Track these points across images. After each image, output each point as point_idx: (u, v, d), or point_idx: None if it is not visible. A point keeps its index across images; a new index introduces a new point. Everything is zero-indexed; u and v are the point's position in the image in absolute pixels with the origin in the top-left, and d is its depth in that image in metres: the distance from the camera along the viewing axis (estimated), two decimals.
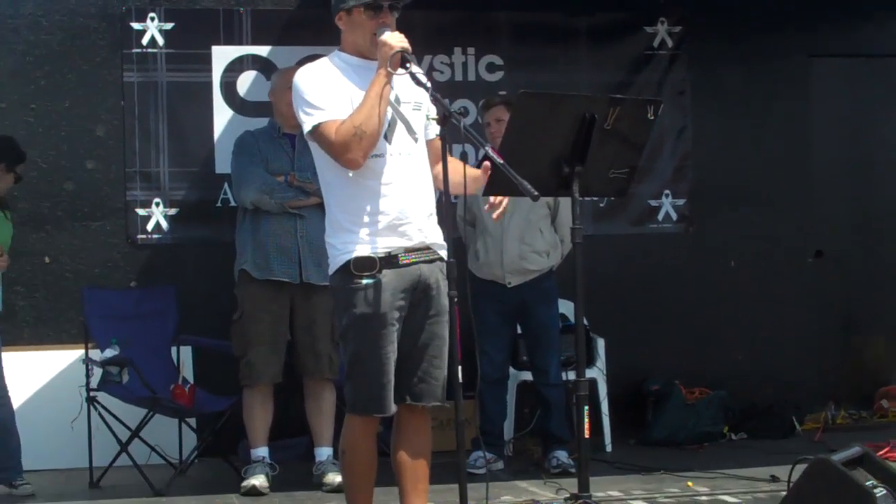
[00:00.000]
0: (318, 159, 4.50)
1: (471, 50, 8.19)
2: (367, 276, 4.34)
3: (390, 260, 4.36)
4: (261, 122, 7.02)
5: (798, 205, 8.60)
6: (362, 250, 4.36)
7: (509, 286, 6.81)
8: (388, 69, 4.28)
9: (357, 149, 4.24)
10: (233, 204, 7.28)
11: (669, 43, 8.48)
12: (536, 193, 3.98)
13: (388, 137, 4.39)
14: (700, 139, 8.49)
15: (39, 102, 7.71)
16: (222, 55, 7.89)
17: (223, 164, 7.52)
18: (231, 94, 7.88)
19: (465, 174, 4.33)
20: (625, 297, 8.20)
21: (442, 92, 4.59)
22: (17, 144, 6.81)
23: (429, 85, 4.28)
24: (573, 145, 4.43)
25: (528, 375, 7.16)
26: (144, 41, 7.78)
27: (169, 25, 7.81)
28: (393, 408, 4.40)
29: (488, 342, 6.75)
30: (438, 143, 4.42)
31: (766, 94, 8.62)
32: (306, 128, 4.38)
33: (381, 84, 4.27)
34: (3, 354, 6.52)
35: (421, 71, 4.41)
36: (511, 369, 7.14)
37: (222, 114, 7.86)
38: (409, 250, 4.41)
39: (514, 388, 7.37)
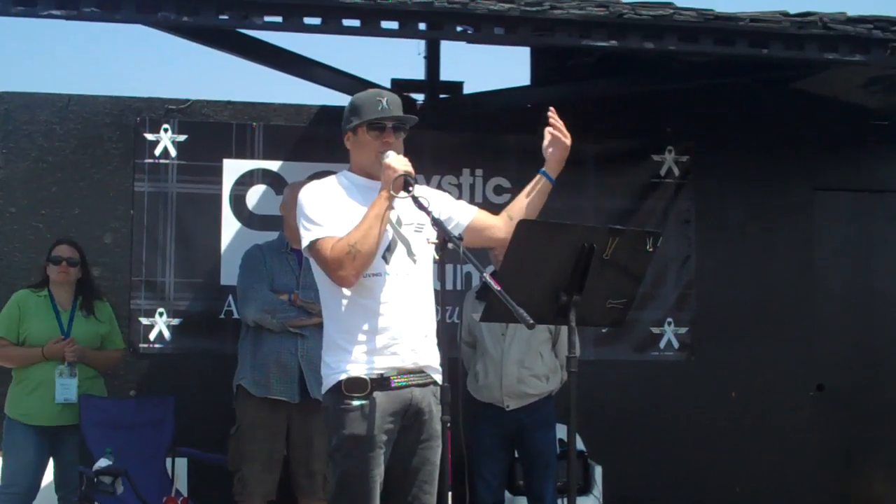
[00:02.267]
0: (318, 275, 4.54)
1: (479, 171, 8.27)
2: (358, 398, 4.35)
3: (382, 382, 4.37)
4: (268, 236, 7.10)
5: (800, 337, 8.60)
6: (355, 370, 4.38)
7: (508, 409, 6.79)
8: (391, 192, 4.33)
9: (350, 267, 4.28)
10: (236, 316, 7.30)
11: (676, 172, 8.54)
12: (532, 321, 3.99)
13: (386, 258, 4.43)
14: (703, 268, 8.52)
15: (50, 208, 7.80)
16: (233, 168, 7.97)
17: (229, 277, 7.56)
18: (240, 207, 7.95)
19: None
20: (624, 424, 8.16)
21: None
22: None
23: (430, 210, 4.32)
24: (571, 274, 4.46)
25: (524, 501, 7.08)
26: (157, 152, 7.88)
27: (182, 137, 7.91)
28: None
29: (485, 466, 6.74)
30: (483, 218, 4.63)
31: (769, 226, 8.68)
32: (304, 242, 4.44)
33: (381, 206, 4.32)
34: None
35: (424, 193, 4.45)
36: (507, 494, 7.08)
37: (230, 226, 7.92)
38: (401, 372, 4.41)
39: None
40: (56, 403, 6.70)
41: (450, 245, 4.22)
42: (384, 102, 4.52)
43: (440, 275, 4.33)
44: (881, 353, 8.80)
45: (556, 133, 4.65)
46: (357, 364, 4.38)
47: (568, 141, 4.64)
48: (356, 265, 4.29)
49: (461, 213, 4.71)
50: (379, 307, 4.40)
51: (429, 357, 4.50)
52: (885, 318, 8.85)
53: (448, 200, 4.76)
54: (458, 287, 7.97)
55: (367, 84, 7.69)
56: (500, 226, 4.72)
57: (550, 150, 4.70)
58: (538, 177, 4.73)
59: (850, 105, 8.73)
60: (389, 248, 4.44)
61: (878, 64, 7.01)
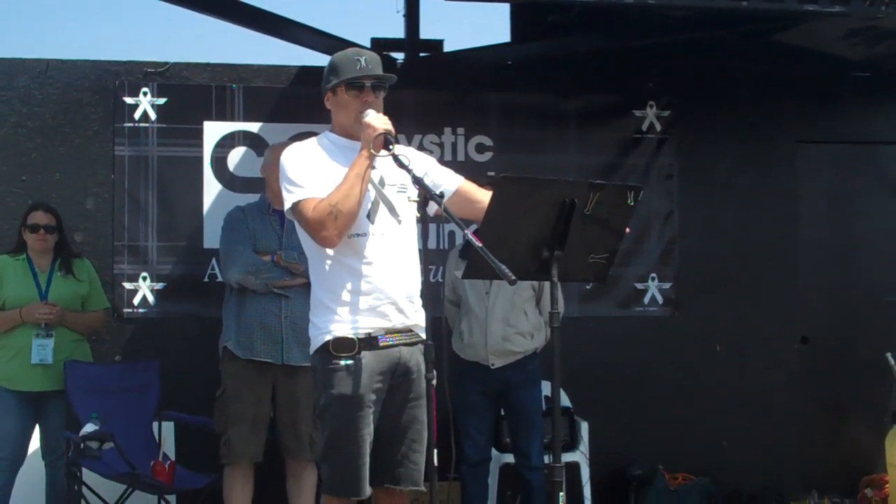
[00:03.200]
0: (303, 237, 4.54)
1: (460, 130, 8.24)
2: (346, 357, 4.35)
3: (370, 341, 4.38)
4: (250, 198, 7.08)
5: (784, 290, 8.61)
6: (342, 330, 4.38)
7: (493, 367, 6.80)
8: (371, 151, 4.32)
9: (332, 227, 4.28)
10: (220, 279, 7.28)
11: (658, 127, 8.53)
12: (514, 278, 4.00)
13: (370, 217, 4.42)
14: (687, 223, 8.52)
15: (30, 174, 7.75)
16: (214, 131, 7.94)
17: (212, 240, 7.55)
18: (221, 170, 7.92)
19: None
20: (609, 380, 8.18)
21: None
22: None
23: (410, 168, 4.31)
24: (553, 230, 4.45)
25: (510, 458, 7.11)
26: (136, 115, 7.83)
27: (161, 100, 7.87)
28: (368, 490, 4.40)
29: (471, 423, 6.76)
30: (467, 187, 4.58)
31: (753, 180, 8.68)
32: (286, 205, 4.44)
33: (361, 165, 4.31)
34: None
35: (407, 153, 4.43)
36: (494, 451, 7.10)
37: (212, 189, 7.89)
38: (389, 332, 4.42)
39: (497, 470, 7.31)
40: (36, 367, 6.68)
41: (431, 204, 4.21)
42: (362, 61, 4.50)
43: (423, 233, 4.33)
44: (865, 305, 8.82)
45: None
46: (343, 324, 4.39)
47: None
48: (338, 225, 4.29)
49: (447, 180, 4.69)
50: (363, 267, 4.41)
51: (416, 316, 4.52)
52: (869, 269, 8.87)
53: (434, 165, 4.74)
54: (442, 246, 7.96)
55: (347, 44, 7.65)
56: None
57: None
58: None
59: (831, 57, 8.72)
60: (373, 208, 4.44)
61: (857, 15, 7.00)
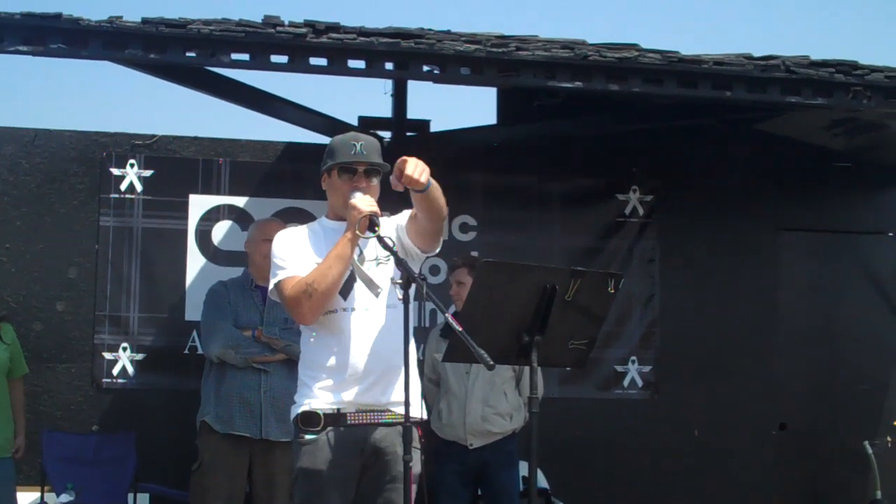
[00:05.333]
0: None
1: None
2: (311, 432, 4.36)
3: (337, 417, 4.37)
4: (233, 272, 7.09)
5: (763, 376, 8.64)
6: (312, 405, 4.39)
7: (471, 448, 6.79)
8: (357, 232, 4.34)
9: (306, 305, 4.30)
10: (200, 352, 7.28)
11: (641, 211, 8.61)
12: (492, 363, 4.00)
13: (343, 293, 4.42)
14: (668, 307, 8.57)
15: (14, 242, 7.77)
16: (199, 204, 7.98)
17: (193, 312, 7.55)
18: (205, 243, 7.95)
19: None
20: (588, 462, 8.18)
21: None
22: None
23: (395, 249, 4.33)
24: (533, 315, 4.48)
25: None
26: (123, 187, 7.88)
27: (148, 172, 7.91)
28: None
29: None
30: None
31: (734, 265, 8.74)
32: (270, 286, 4.46)
33: (343, 246, 4.32)
34: None
35: (382, 222, 4.43)
36: None
37: (195, 261, 7.92)
38: (361, 409, 4.39)
39: None
40: None
41: (415, 284, 4.22)
42: (358, 147, 4.52)
43: (404, 313, 4.32)
44: (844, 393, 8.86)
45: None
46: (315, 399, 4.39)
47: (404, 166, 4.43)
48: (312, 304, 4.30)
49: (402, 216, 4.65)
50: (339, 343, 4.40)
51: (394, 394, 4.44)
52: (848, 358, 8.92)
53: (400, 218, 4.68)
54: (425, 324, 7.98)
55: (334, 121, 7.75)
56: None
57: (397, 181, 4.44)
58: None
59: (813, 147, 8.83)
60: (346, 284, 4.44)
61: (839, 107, 7.11)
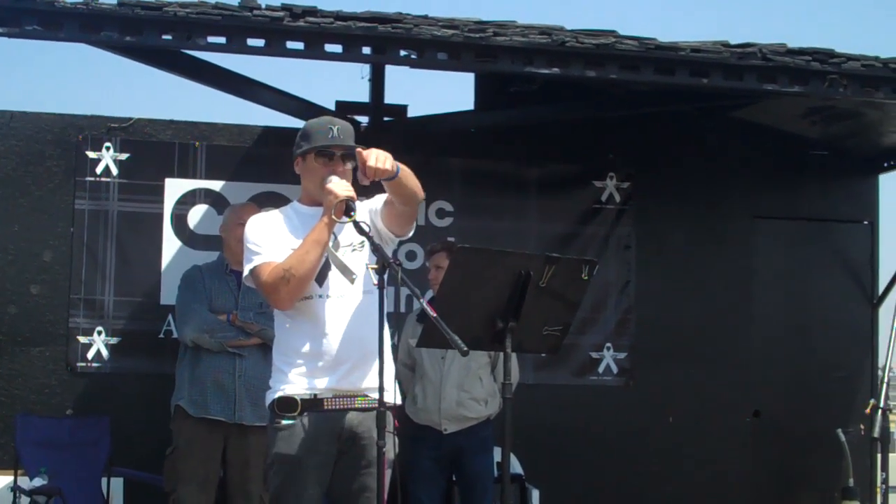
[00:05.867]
0: None
1: None
2: (288, 417, 4.36)
3: (314, 403, 4.37)
4: (209, 256, 7.08)
5: (738, 363, 8.69)
6: (289, 390, 4.39)
7: (446, 433, 6.79)
8: (333, 217, 4.33)
9: (284, 291, 4.29)
10: (175, 336, 7.27)
11: (617, 198, 8.63)
12: (466, 349, 4.00)
13: (319, 280, 4.42)
14: (643, 294, 8.60)
15: None
16: (175, 187, 7.96)
17: (169, 296, 7.52)
18: (181, 227, 7.93)
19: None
20: (562, 448, 8.19)
21: None
22: None
23: (371, 234, 4.32)
24: (508, 301, 4.49)
25: None
26: (98, 170, 7.84)
27: (124, 156, 7.88)
28: None
29: (422, 489, 6.73)
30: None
31: (709, 253, 8.77)
32: (245, 272, 4.45)
33: (319, 231, 4.31)
34: None
35: (358, 207, 4.42)
36: None
37: (171, 245, 7.89)
38: (337, 395, 4.39)
39: None
40: None
41: (391, 269, 4.22)
42: (335, 131, 4.50)
43: (379, 299, 4.32)
44: (817, 380, 8.91)
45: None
46: (291, 385, 4.39)
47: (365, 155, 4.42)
48: (290, 289, 4.30)
49: (377, 200, 4.64)
50: (313, 329, 4.40)
51: (369, 379, 4.41)
52: (822, 345, 8.97)
53: (375, 202, 4.67)
54: (401, 309, 7.98)
55: (311, 106, 7.73)
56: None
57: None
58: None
59: (789, 135, 8.86)
60: (323, 271, 4.43)
61: (815, 95, 7.13)
